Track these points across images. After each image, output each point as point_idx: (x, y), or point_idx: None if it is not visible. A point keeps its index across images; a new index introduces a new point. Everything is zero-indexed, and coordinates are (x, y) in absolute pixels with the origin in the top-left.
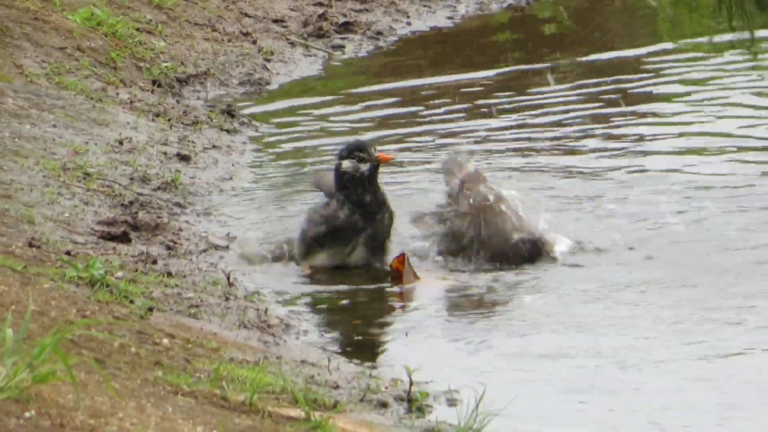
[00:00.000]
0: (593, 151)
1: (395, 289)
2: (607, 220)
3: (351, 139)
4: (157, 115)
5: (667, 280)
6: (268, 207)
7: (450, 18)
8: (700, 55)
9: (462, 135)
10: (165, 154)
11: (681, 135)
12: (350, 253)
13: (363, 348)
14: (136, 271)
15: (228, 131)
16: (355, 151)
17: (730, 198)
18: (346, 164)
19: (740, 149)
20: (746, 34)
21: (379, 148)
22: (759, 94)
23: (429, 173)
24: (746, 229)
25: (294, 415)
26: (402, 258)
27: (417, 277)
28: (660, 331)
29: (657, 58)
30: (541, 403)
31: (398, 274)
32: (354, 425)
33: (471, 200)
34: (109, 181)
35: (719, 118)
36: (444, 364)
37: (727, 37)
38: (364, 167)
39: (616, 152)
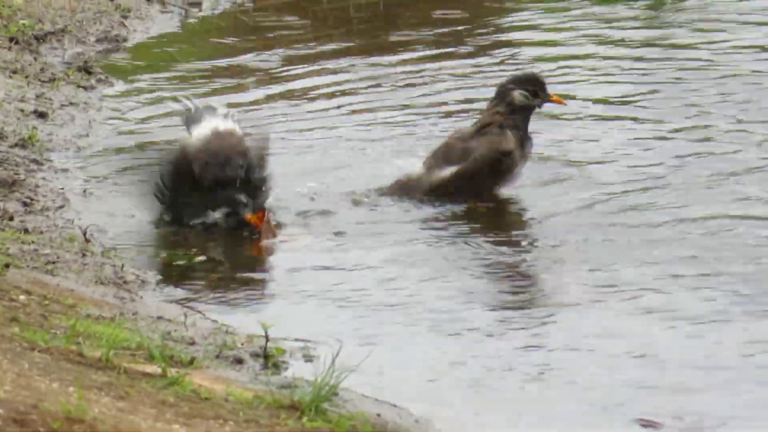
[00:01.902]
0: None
1: (256, 244)
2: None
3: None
4: (15, 72)
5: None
6: (125, 163)
7: None
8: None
9: (315, 88)
10: (22, 111)
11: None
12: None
13: (220, 304)
14: None
15: (85, 88)
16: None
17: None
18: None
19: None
20: None
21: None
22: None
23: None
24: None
25: (150, 371)
26: (262, 214)
27: (275, 234)
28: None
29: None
30: (398, 359)
31: (258, 229)
32: (210, 381)
33: None
34: None
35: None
36: (301, 320)
37: None
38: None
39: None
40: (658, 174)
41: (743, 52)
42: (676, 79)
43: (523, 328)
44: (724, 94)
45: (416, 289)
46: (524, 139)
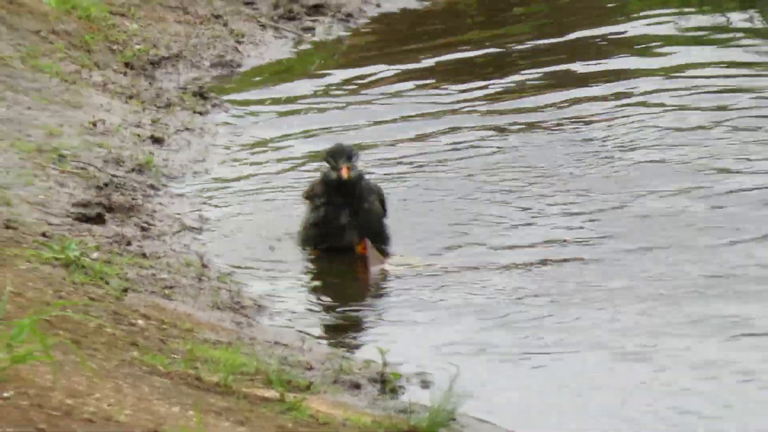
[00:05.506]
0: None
1: (365, 271)
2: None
3: (332, 143)
4: (130, 98)
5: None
6: (240, 188)
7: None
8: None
9: (429, 114)
10: (138, 136)
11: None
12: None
13: (335, 329)
14: (111, 252)
15: (200, 113)
16: (328, 157)
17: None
18: (324, 168)
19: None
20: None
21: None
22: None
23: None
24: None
25: (268, 396)
26: (363, 242)
27: (382, 261)
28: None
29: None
30: (515, 384)
31: (363, 257)
32: (328, 406)
33: None
34: (84, 163)
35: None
36: (417, 345)
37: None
38: (334, 175)
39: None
40: None
41: None
42: None
43: (654, 355)
44: None
45: (535, 312)
46: None
